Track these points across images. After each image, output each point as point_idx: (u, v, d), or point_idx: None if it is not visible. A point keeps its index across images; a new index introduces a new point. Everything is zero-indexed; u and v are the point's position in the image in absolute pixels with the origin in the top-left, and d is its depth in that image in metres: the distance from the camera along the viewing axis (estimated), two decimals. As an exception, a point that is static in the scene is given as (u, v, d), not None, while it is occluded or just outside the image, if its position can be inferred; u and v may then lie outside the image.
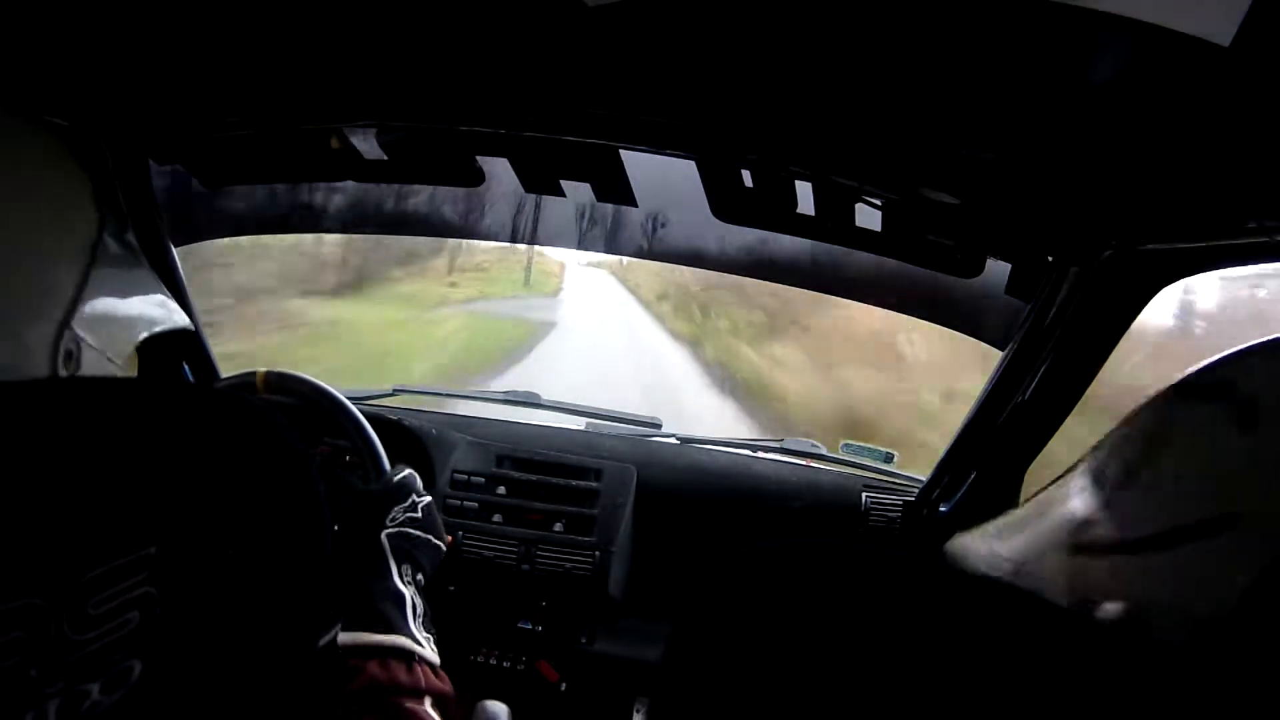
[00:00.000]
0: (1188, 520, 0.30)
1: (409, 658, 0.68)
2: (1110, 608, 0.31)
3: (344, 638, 0.67)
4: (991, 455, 1.28)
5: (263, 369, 1.06)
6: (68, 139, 1.07)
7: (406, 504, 0.82)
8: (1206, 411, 0.33)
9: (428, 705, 0.66)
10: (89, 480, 0.40)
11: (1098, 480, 0.36)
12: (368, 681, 0.64)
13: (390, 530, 0.79)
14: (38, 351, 0.47)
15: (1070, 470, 0.40)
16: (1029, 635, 0.28)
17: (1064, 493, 0.38)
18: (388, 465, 0.93)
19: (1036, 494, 0.43)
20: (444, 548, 0.84)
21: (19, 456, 0.39)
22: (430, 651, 0.71)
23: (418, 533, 0.81)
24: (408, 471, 0.88)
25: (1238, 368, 0.34)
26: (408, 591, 0.74)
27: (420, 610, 0.74)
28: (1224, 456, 0.31)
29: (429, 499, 0.86)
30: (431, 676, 0.69)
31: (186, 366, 1.41)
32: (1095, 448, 0.38)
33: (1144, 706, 0.26)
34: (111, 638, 0.37)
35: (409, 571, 0.77)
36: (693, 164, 1.07)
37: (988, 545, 0.45)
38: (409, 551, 0.78)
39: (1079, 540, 0.35)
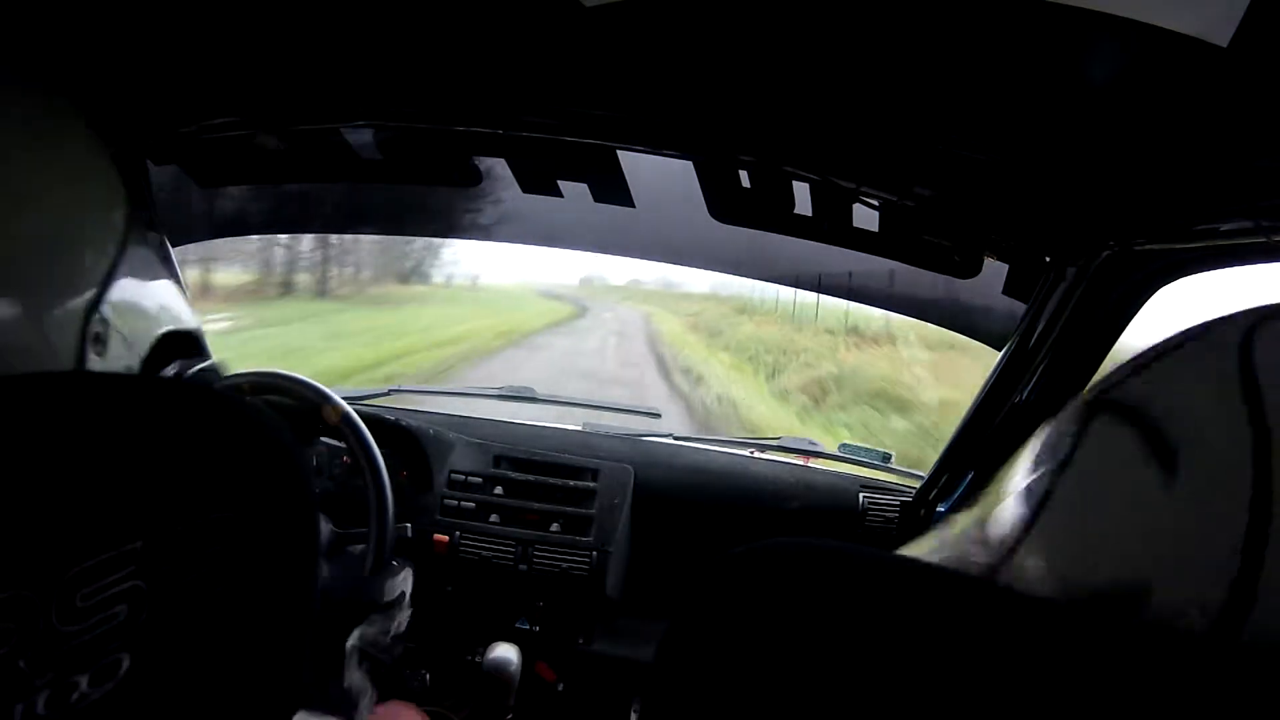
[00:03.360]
0: (1087, 588, 0.29)
1: None
2: None
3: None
4: (989, 455, 1.28)
5: (240, 372, 1.07)
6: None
7: (392, 620, 0.90)
8: (1109, 432, 0.31)
9: None
10: (77, 474, 0.40)
11: (1000, 504, 0.35)
12: None
13: (360, 643, 0.85)
14: (68, 332, 0.51)
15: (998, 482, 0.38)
16: (1034, 636, 0.28)
17: (979, 514, 0.37)
18: (367, 430, 0.96)
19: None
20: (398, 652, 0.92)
21: (7, 450, 0.39)
22: None
23: (392, 648, 0.88)
24: (405, 589, 0.94)
25: (1140, 386, 0.32)
26: (361, 684, 0.81)
27: (370, 698, 0.81)
28: (1128, 494, 0.29)
29: (409, 614, 0.93)
30: None
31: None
32: (1017, 457, 0.36)
33: (1168, 708, 0.25)
34: (100, 630, 0.37)
35: (366, 667, 0.83)
36: (690, 164, 1.07)
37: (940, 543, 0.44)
38: (370, 657, 0.85)
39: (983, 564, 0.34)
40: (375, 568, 0.95)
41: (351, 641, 0.82)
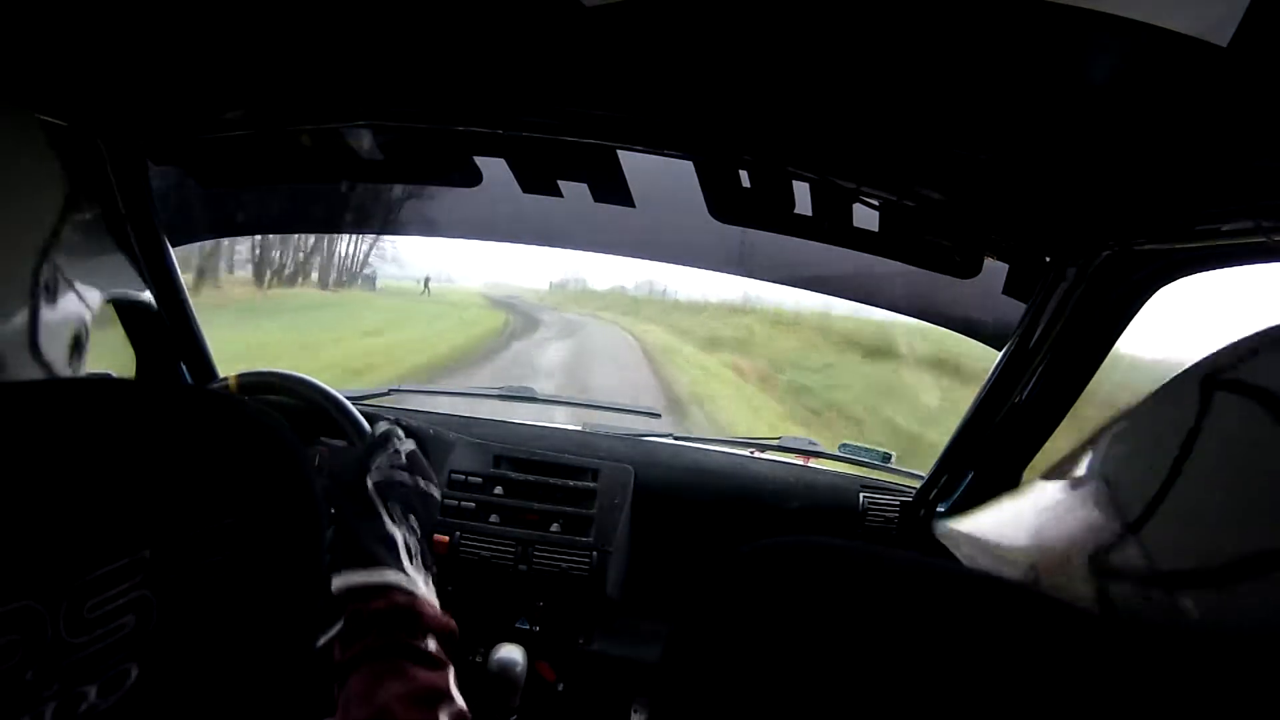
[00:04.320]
0: (1232, 554, 0.28)
1: (404, 595, 0.66)
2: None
3: (336, 582, 0.65)
4: (989, 455, 1.28)
5: (234, 374, 1.06)
6: (66, 139, 1.07)
7: (389, 451, 0.81)
8: (1239, 410, 0.30)
9: (430, 643, 0.64)
10: (84, 482, 0.40)
11: (1110, 482, 0.34)
12: (364, 621, 0.63)
13: (375, 478, 0.77)
14: (19, 275, 0.48)
15: (1071, 460, 0.38)
16: (1042, 637, 0.28)
17: (1072, 492, 0.36)
18: (367, 426, 0.93)
19: (1033, 481, 0.41)
20: (436, 494, 0.82)
21: (13, 458, 0.39)
22: (427, 589, 0.69)
23: (404, 474, 0.79)
24: (388, 426, 0.87)
25: (1272, 356, 0.31)
26: (398, 532, 0.72)
27: (414, 549, 0.72)
28: (1267, 470, 0.28)
29: (412, 445, 0.84)
30: (431, 612, 0.66)
31: (184, 366, 1.41)
32: (1099, 437, 0.36)
33: (1171, 707, 0.25)
34: (108, 641, 0.37)
35: (399, 512, 0.75)
36: (690, 164, 1.07)
37: (985, 538, 0.44)
38: (397, 494, 0.76)
39: (1106, 561, 0.33)
40: (359, 438, 0.94)
41: (370, 481, 0.75)
